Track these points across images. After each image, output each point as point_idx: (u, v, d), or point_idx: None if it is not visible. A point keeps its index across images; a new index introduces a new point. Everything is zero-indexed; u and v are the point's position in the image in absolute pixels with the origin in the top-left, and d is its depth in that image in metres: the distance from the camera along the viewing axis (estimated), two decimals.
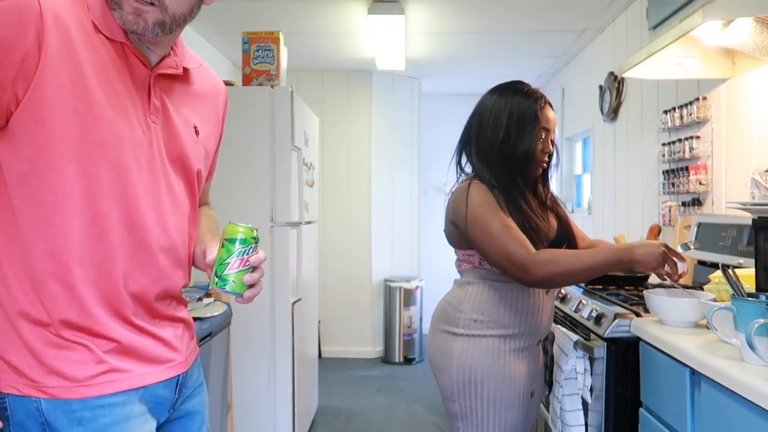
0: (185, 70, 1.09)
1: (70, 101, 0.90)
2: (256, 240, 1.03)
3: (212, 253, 1.06)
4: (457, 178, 1.70)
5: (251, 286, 1.04)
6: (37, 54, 0.87)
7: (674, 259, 1.45)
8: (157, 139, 1.01)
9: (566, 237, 1.69)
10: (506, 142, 1.59)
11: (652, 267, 1.45)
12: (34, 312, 0.92)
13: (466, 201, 1.56)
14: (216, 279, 1.01)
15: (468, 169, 1.70)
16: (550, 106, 1.66)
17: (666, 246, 1.45)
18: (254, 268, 1.03)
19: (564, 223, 1.70)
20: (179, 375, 1.07)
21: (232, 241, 1.01)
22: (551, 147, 1.65)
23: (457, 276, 1.73)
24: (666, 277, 1.47)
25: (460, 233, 1.61)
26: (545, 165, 1.67)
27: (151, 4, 0.95)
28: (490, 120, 1.62)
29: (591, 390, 1.74)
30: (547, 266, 1.46)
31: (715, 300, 1.57)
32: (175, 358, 1.06)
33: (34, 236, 0.91)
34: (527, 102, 1.61)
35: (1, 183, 0.91)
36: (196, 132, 1.10)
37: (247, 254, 1.01)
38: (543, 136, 1.62)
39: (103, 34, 0.95)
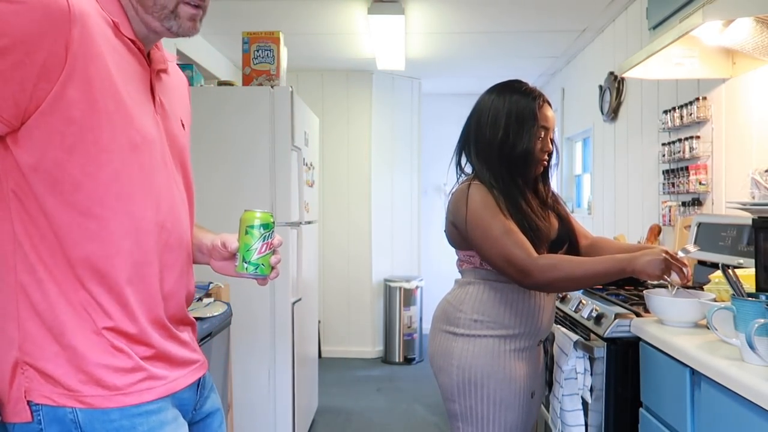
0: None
1: (100, 102, 0.88)
2: (273, 223, 1.08)
3: (233, 242, 1.09)
4: (457, 179, 1.70)
5: (273, 267, 1.08)
6: (64, 55, 0.84)
7: (677, 264, 1.45)
8: (163, 136, 1.01)
9: (567, 236, 1.69)
10: (505, 142, 1.59)
11: (656, 275, 1.43)
12: (75, 318, 0.89)
13: (466, 202, 1.56)
14: (245, 265, 1.06)
15: (468, 169, 1.69)
16: (549, 104, 1.66)
17: (667, 252, 1.45)
18: (274, 251, 1.08)
19: (565, 222, 1.70)
20: (201, 376, 1.08)
21: (254, 227, 1.05)
22: (551, 146, 1.65)
23: (458, 276, 1.73)
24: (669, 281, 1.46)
25: (461, 234, 1.61)
26: (545, 164, 1.67)
27: (197, 6, 0.97)
28: (488, 119, 1.61)
29: (591, 390, 1.74)
30: (548, 271, 1.46)
31: (715, 300, 1.57)
32: (198, 359, 1.08)
33: (71, 242, 0.89)
34: (525, 101, 1.60)
35: (27, 190, 0.87)
36: (183, 126, 1.11)
37: (270, 238, 1.07)
38: (542, 135, 1.61)
39: (122, 33, 0.94)
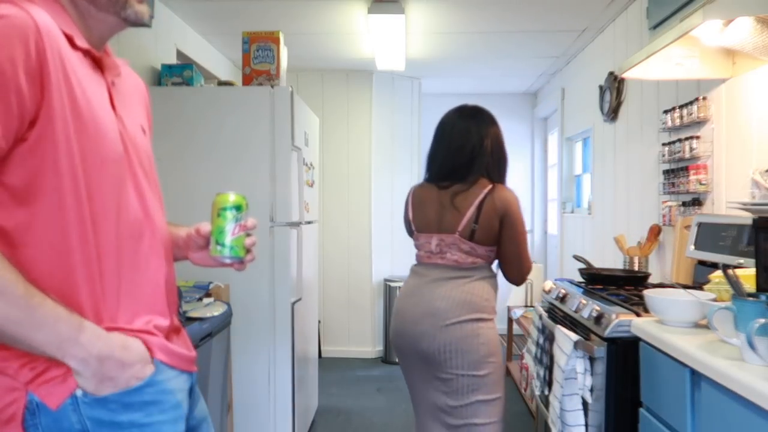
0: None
1: (76, 121, 0.88)
2: (247, 206, 1.08)
3: (206, 226, 1.09)
4: (463, 178, 1.95)
5: (248, 251, 1.09)
6: (39, 67, 0.84)
7: None
8: (128, 145, 1.00)
9: None
10: (505, 162, 2.04)
11: None
12: None
13: (517, 205, 1.94)
14: (218, 247, 1.06)
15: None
16: None
17: None
18: (248, 234, 1.09)
19: None
20: (193, 373, 1.07)
21: (226, 209, 1.06)
22: None
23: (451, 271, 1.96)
24: None
25: (504, 228, 1.92)
26: None
27: None
28: (500, 143, 2.03)
29: (591, 390, 1.74)
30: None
31: (715, 300, 1.57)
32: (193, 355, 1.07)
33: (72, 272, 0.89)
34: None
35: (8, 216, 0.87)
36: (144, 132, 1.09)
37: (243, 220, 1.07)
38: None
39: (77, 46, 0.93)
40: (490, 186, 1.92)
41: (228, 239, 1.05)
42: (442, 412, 1.92)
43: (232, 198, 1.06)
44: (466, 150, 1.96)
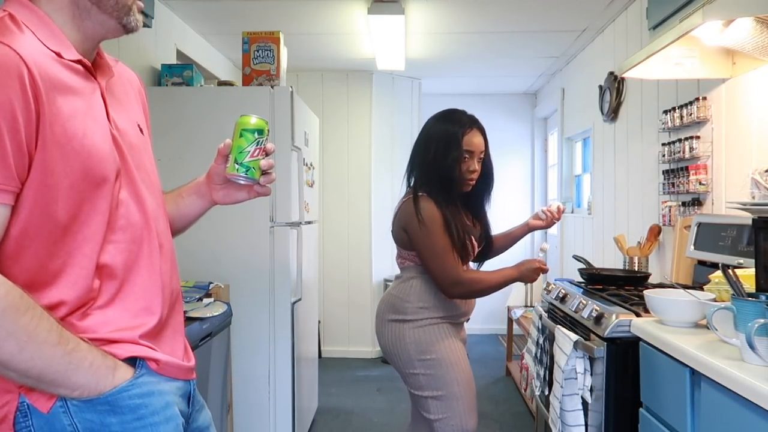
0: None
1: (66, 146, 0.87)
2: (268, 131, 1.11)
3: (226, 141, 1.10)
4: (408, 188, 2.07)
5: (264, 173, 1.11)
6: (37, 112, 0.84)
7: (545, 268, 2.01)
8: (124, 153, 0.99)
9: (485, 239, 2.12)
10: (433, 163, 1.97)
11: (533, 279, 2.00)
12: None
13: (418, 213, 1.92)
14: (236, 166, 1.08)
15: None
16: (480, 131, 2.00)
17: (539, 262, 2.01)
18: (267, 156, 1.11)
19: (486, 231, 2.13)
20: (191, 381, 1.07)
21: (250, 130, 1.08)
22: (477, 167, 2.00)
23: (403, 273, 2.07)
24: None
25: (410, 238, 1.96)
26: (471, 183, 2.01)
27: None
28: (423, 143, 2.03)
29: (591, 390, 1.74)
30: (471, 286, 1.94)
31: (715, 300, 1.57)
32: (191, 365, 1.07)
33: (64, 279, 0.90)
34: (453, 128, 1.97)
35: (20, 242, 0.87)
36: (141, 130, 1.08)
37: (263, 144, 1.09)
38: (466, 158, 1.96)
39: (65, 59, 0.92)
40: (409, 196, 1.99)
41: (246, 159, 1.08)
42: (414, 401, 2.05)
43: (254, 121, 1.09)
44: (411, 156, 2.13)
